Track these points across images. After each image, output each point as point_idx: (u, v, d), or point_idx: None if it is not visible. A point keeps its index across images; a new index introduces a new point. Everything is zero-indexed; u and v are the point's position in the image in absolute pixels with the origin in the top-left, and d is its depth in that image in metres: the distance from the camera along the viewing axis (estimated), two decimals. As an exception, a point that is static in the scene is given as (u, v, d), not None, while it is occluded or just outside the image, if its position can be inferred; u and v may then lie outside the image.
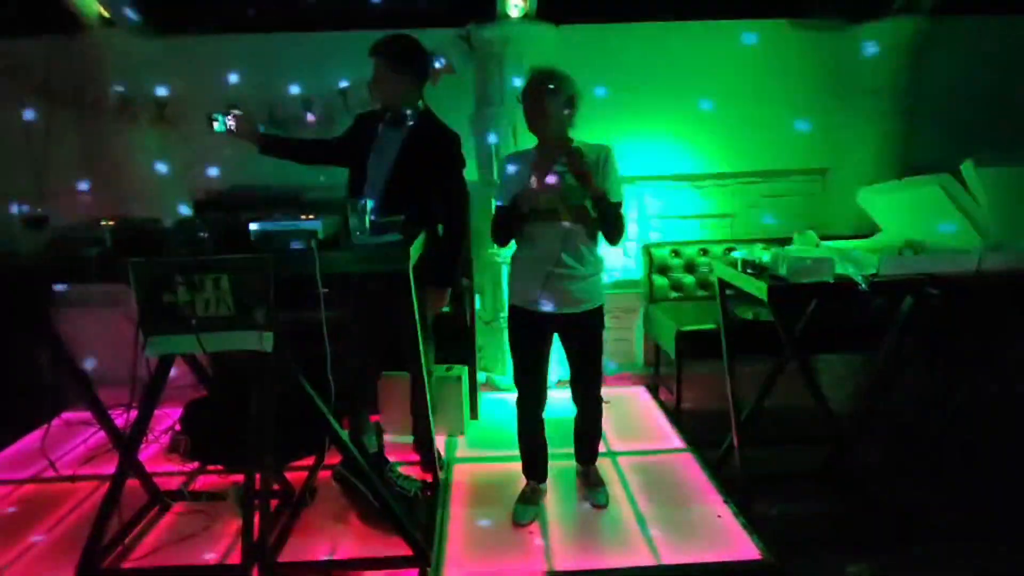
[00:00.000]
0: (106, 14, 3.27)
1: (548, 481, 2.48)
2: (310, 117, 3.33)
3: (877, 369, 2.41)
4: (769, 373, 2.67)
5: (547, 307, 2.18)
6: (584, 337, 2.27)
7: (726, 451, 2.63)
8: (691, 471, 2.68)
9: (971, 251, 2.30)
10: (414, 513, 2.28)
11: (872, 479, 2.57)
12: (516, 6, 3.28)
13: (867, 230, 3.13)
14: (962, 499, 2.46)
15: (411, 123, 2.41)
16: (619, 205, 2.14)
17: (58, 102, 3.33)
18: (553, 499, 2.49)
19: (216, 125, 2.36)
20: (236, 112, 2.39)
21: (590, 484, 2.49)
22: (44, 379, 3.42)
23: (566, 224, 2.10)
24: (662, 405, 3.35)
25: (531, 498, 2.41)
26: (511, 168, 2.20)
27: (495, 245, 2.23)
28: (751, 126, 3.56)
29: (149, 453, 2.88)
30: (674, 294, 3.52)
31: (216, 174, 3.44)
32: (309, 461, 2.62)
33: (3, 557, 2.22)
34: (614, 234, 2.14)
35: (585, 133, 2.20)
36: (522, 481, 2.46)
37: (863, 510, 2.42)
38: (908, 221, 2.68)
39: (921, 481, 2.58)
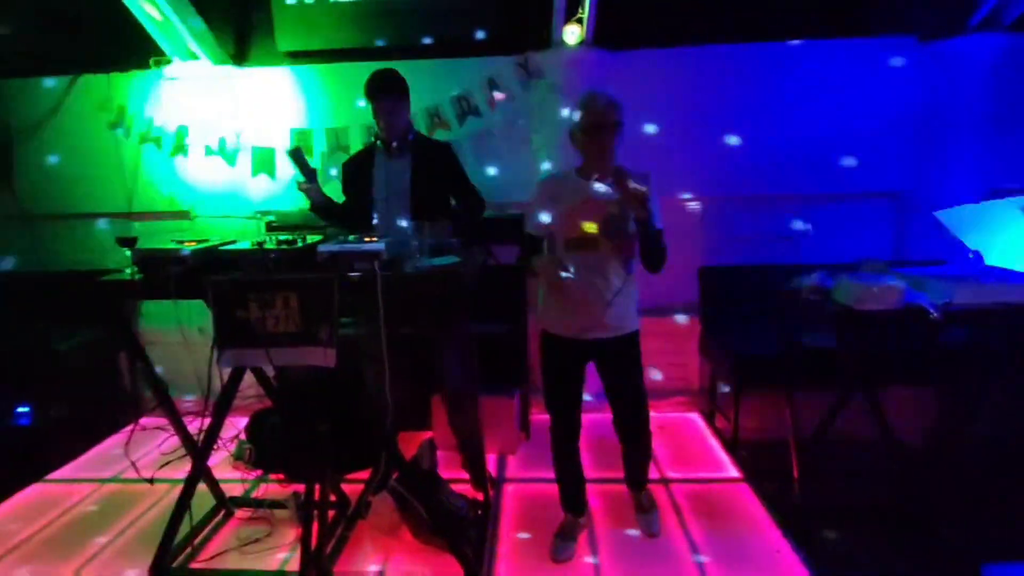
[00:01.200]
0: (193, 49, 3.54)
1: (599, 502, 2.44)
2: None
3: (951, 404, 2.27)
4: (832, 403, 2.56)
5: (580, 334, 2.13)
6: (620, 363, 2.20)
7: (785, 483, 2.53)
8: (748, 502, 2.59)
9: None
10: (465, 531, 2.30)
11: (942, 519, 2.41)
12: (572, 33, 3.34)
13: (942, 256, 2.98)
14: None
15: (413, 146, 2.57)
16: (661, 232, 2.06)
17: (145, 132, 3.62)
18: (604, 521, 2.46)
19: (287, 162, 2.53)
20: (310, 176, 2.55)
21: (643, 510, 2.43)
22: (124, 387, 3.69)
23: (603, 254, 2.04)
24: (718, 432, 3.27)
25: (570, 533, 2.33)
26: (546, 193, 2.12)
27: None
28: (816, 146, 3.47)
29: (215, 460, 3.03)
30: (732, 318, 3.44)
31: (288, 197, 3.64)
32: (365, 474, 2.70)
33: (85, 551, 2.39)
34: (656, 261, 2.05)
35: (640, 154, 2.21)
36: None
37: (930, 552, 2.27)
38: (987, 246, 2.55)
39: (996, 524, 2.40)
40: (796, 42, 3.40)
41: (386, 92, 2.47)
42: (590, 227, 2.01)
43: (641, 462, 2.40)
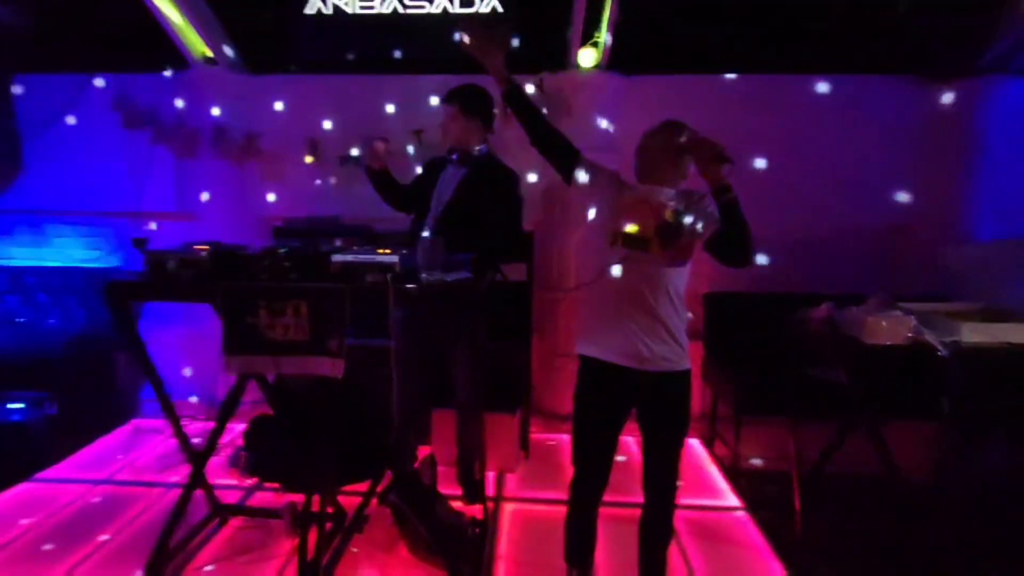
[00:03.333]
0: (210, 54, 3.57)
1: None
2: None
3: (957, 441, 2.28)
4: (835, 435, 2.56)
5: (629, 361, 1.85)
6: (670, 406, 1.91)
7: (786, 514, 2.51)
8: (748, 533, 2.57)
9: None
10: (462, 548, 2.28)
11: (947, 557, 2.40)
12: (588, 56, 3.39)
13: (943, 292, 3.00)
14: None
15: (474, 163, 2.56)
16: (739, 203, 1.80)
17: (163, 133, 3.63)
18: (608, 544, 2.40)
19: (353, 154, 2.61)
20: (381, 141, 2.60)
21: None
22: (121, 388, 3.65)
23: (652, 256, 1.81)
24: (717, 459, 3.25)
25: None
26: (608, 175, 1.94)
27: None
28: (820, 178, 3.50)
29: (210, 465, 2.99)
30: (736, 345, 3.44)
31: (295, 203, 3.65)
32: (363, 486, 2.67)
33: (77, 553, 2.34)
34: (745, 243, 1.78)
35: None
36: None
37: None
38: (992, 286, 2.57)
39: (1002, 563, 2.39)
40: (813, 76, 3.44)
41: (446, 98, 2.58)
42: (634, 228, 1.82)
43: (659, 550, 2.01)
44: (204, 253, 2.06)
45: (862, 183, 3.49)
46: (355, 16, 3.60)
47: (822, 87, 3.43)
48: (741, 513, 2.72)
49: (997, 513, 2.60)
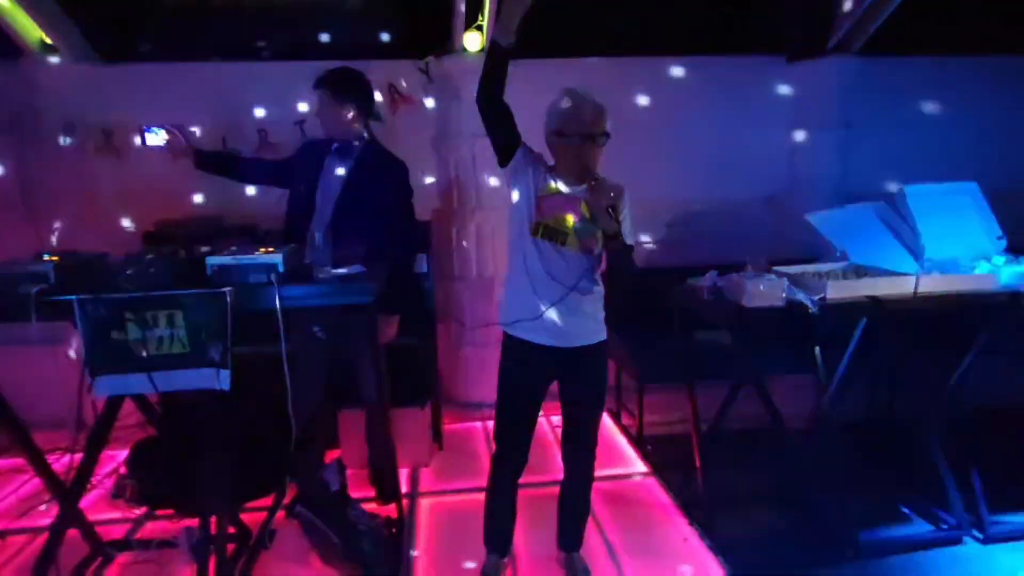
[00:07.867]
0: (48, 40, 3.17)
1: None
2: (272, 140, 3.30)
3: (822, 389, 2.51)
4: (726, 396, 2.74)
5: (549, 339, 1.93)
6: (589, 378, 2.02)
7: (689, 474, 2.66)
8: (655, 495, 2.71)
9: (908, 274, 2.44)
10: (378, 552, 2.21)
11: (823, 494, 2.64)
12: (473, 40, 3.35)
13: (813, 255, 3.28)
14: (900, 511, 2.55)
15: (356, 153, 2.43)
16: (631, 248, 1.94)
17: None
18: (524, 523, 2.42)
19: (149, 138, 2.34)
20: (170, 128, 2.37)
21: (575, 574, 2.17)
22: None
23: (568, 250, 1.90)
24: (625, 430, 3.38)
25: (494, 574, 2.16)
26: (531, 158, 1.95)
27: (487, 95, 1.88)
28: (698, 155, 3.70)
29: (90, 500, 2.70)
30: (634, 318, 3.57)
31: (167, 205, 3.34)
32: (267, 501, 2.52)
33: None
34: (625, 278, 1.93)
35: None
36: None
37: (815, 526, 2.49)
38: (850, 245, 2.83)
39: (867, 494, 2.67)
40: (687, 57, 3.61)
41: (315, 84, 2.39)
42: (568, 220, 1.90)
43: (578, 516, 2.18)
44: (53, 264, 1.83)
45: (738, 159, 3.73)
46: (224, -1, 3.34)
47: (694, 69, 3.62)
48: (648, 478, 2.85)
49: (862, 449, 2.91)
